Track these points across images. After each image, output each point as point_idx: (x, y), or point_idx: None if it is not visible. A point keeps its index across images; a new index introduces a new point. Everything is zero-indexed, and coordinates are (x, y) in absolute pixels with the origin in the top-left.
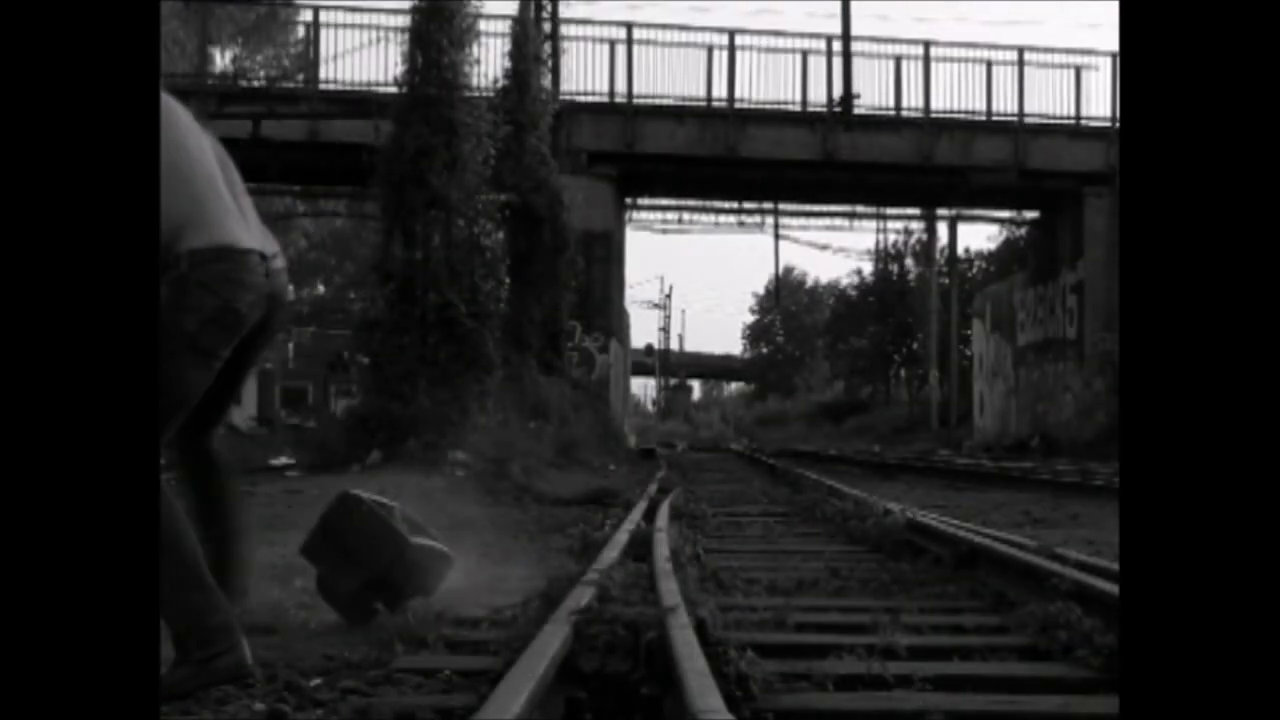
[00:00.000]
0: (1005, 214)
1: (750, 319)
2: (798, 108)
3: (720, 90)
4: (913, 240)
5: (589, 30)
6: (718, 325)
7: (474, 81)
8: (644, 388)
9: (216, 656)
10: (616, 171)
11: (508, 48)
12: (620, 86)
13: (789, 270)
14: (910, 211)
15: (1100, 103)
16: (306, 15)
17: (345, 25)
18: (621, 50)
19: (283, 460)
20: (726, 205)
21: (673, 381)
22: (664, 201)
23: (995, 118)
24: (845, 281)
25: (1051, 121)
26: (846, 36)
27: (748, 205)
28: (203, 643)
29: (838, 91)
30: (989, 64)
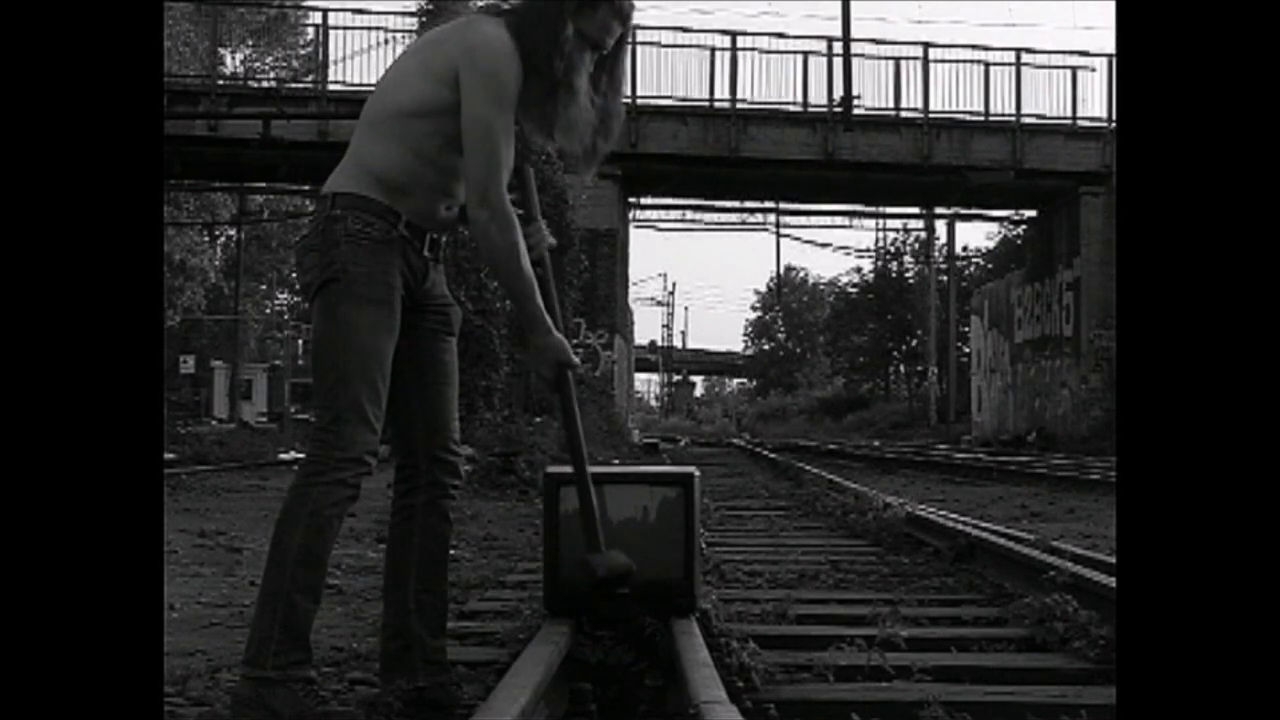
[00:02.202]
0: (1003, 213)
1: (752, 316)
2: (799, 108)
3: (722, 91)
4: (911, 239)
5: None
6: (720, 322)
7: None
8: (647, 384)
9: (296, 665)
10: (620, 171)
11: None
12: (624, 87)
13: (790, 268)
14: (909, 210)
15: (1096, 103)
16: (315, 18)
17: (353, 28)
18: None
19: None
20: (729, 204)
21: (675, 378)
22: (667, 201)
23: (993, 118)
24: (845, 279)
25: (1048, 122)
26: (847, 38)
27: (749, 204)
28: (283, 650)
29: (838, 92)
30: (987, 65)
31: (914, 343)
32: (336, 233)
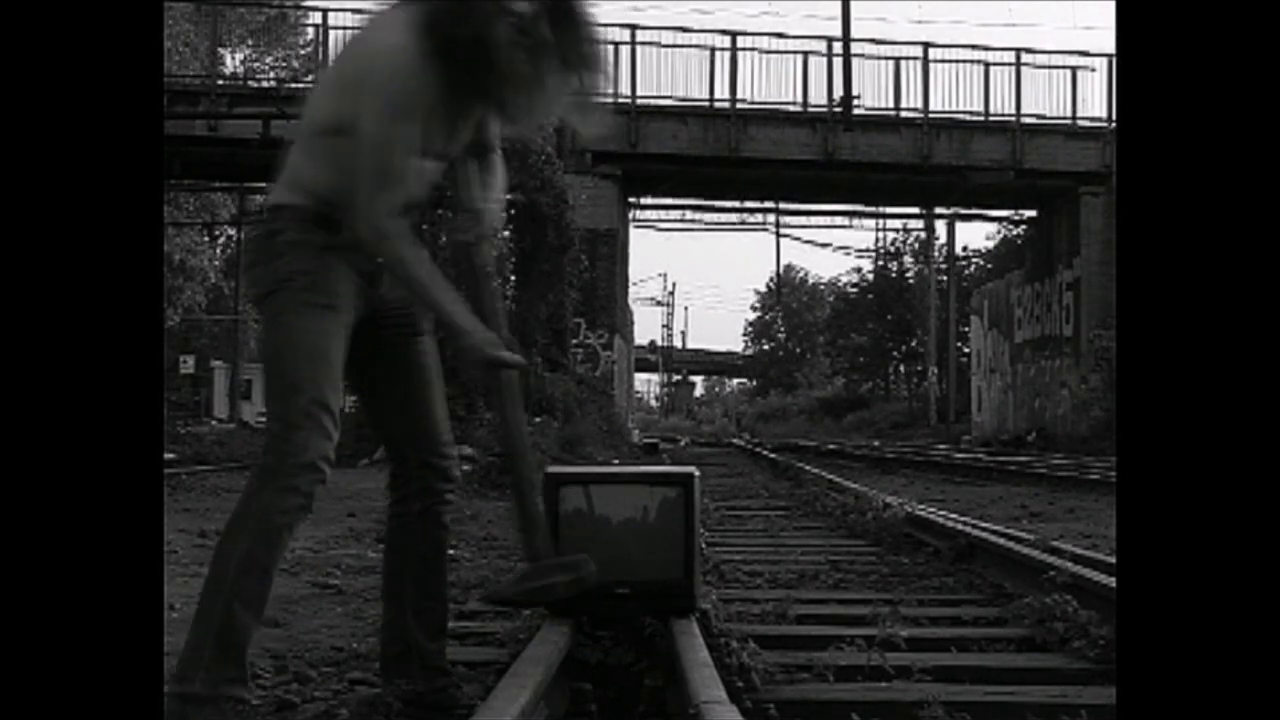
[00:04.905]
0: (1003, 213)
1: (752, 316)
2: (799, 108)
3: (722, 91)
4: (911, 239)
5: None
6: (720, 322)
7: None
8: (647, 384)
9: (228, 682)
10: (620, 171)
11: None
12: (624, 87)
13: (790, 268)
14: (909, 210)
15: (1096, 103)
16: (315, 18)
17: (353, 28)
18: (625, 51)
19: None
20: (728, 204)
21: (675, 378)
22: (667, 201)
23: (993, 118)
24: (845, 279)
25: (1048, 122)
26: (846, 38)
27: (749, 204)
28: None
29: (838, 92)
30: (986, 65)
31: (914, 343)
32: (277, 244)
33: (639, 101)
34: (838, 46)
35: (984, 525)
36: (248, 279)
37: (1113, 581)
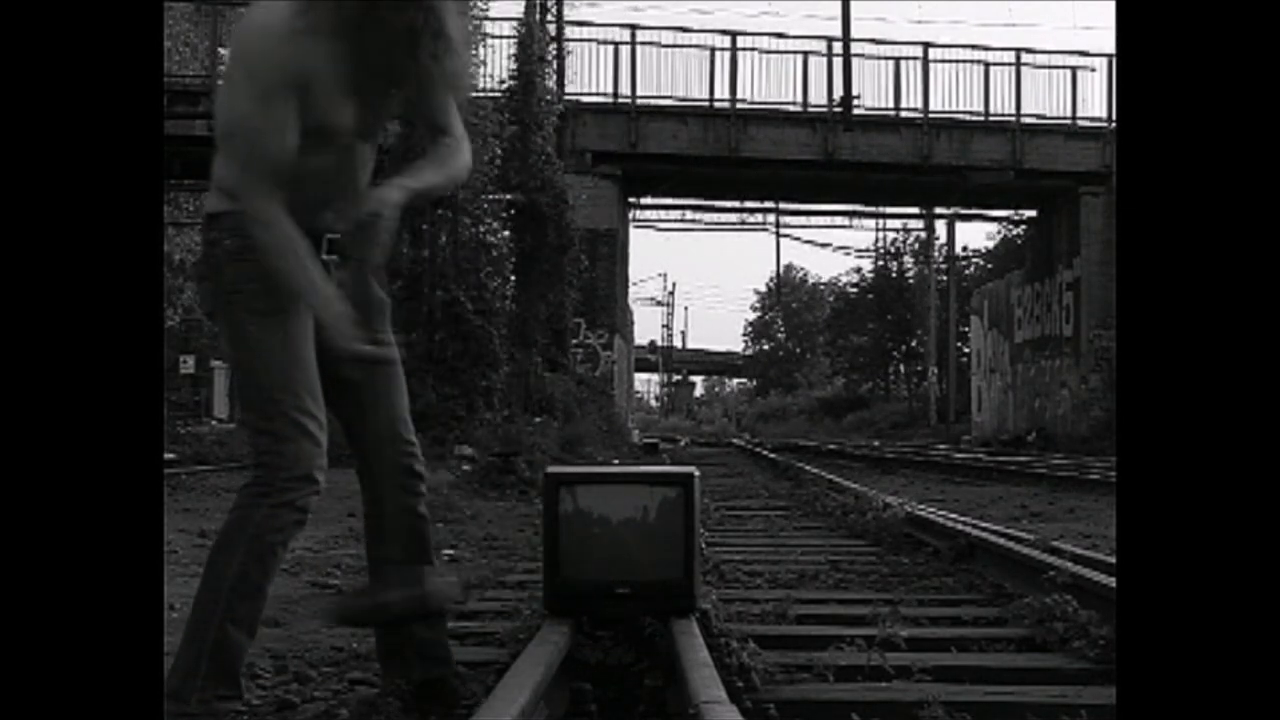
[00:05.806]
0: (1003, 213)
1: (752, 316)
2: (799, 108)
3: (722, 91)
4: (911, 239)
5: (593, 32)
6: (720, 322)
7: (480, 83)
8: (647, 384)
9: (222, 699)
10: (620, 171)
11: (513, 50)
12: (624, 87)
13: (790, 268)
14: (909, 210)
15: (1096, 104)
16: None
17: None
18: (625, 51)
19: None
20: (728, 204)
21: (675, 378)
22: (667, 200)
23: (993, 118)
24: (845, 279)
25: (1048, 122)
26: (846, 38)
27: (749, 204)
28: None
29: (838, 92)
30: (986, 65)
31: (914, 343)
32: (218, 256)
33: (639, 101)
34: (838, 46)
35: (984, 525)
36: (199, 295)
37: (1113, 581)
